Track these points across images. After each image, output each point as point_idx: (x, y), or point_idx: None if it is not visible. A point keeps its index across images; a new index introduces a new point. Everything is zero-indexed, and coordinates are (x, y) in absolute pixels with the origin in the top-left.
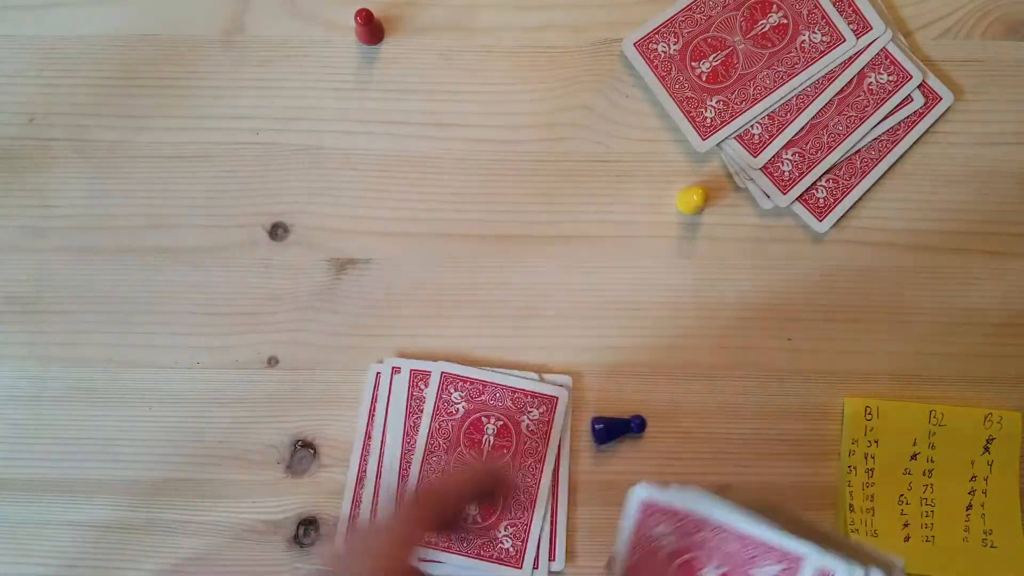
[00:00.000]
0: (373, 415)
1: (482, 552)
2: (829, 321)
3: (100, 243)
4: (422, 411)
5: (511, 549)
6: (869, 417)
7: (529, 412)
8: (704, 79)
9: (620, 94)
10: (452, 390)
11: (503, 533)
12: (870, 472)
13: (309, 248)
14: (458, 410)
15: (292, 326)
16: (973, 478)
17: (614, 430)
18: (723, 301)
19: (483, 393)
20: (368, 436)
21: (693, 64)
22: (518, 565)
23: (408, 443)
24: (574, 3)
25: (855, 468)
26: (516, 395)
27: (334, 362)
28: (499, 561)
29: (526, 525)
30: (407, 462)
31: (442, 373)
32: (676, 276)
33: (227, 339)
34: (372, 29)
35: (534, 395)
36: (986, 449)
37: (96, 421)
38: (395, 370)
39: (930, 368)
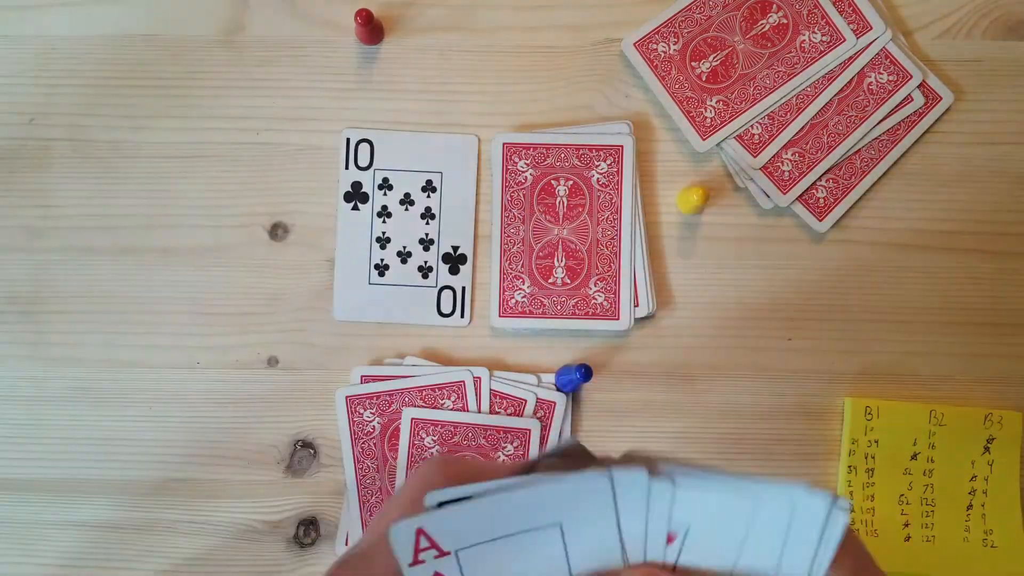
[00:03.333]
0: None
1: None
2: (829, 321)
3: (100, 243)
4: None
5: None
6: (869, 417)
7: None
8: (704, 79)
9: (620, 94)
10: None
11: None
12: (870, 472)
13: (309, 248)
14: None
15: (292, 326)
16: (973, 478)
17: (566, 378)
18: (723, 301)
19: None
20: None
21: (693, 64)
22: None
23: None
24: (574, 3)
25: (855, 468)
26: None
27: (334, 362)
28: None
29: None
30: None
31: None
32: (676, 276)
33: (227, 339)
34: (372, 29)
35: (512, 400)
36: (986, 449)
37: (96, 421)
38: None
39: (930, 368)
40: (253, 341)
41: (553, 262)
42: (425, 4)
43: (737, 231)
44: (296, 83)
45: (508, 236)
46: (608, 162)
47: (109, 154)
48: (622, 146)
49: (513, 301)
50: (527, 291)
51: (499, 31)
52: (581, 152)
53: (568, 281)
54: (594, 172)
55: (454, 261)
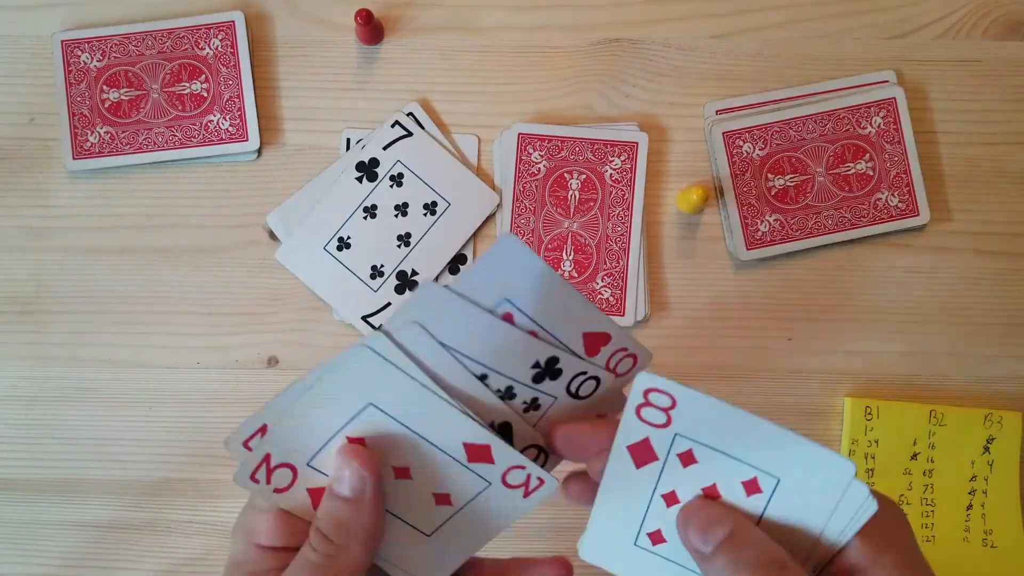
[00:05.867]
0: None
1: None
2: (829, 321)
3: (100, 243)
4: None
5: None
6: (869, 417)
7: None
8: (773, 193)
9: (620, 94)
10: None
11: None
12: (870, 472)
13: None
14: None
15: (292, 326)
16: (973, 478)
17: None
18: (723, 301)
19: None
20: None
21: (769, 175)
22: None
23: None
24: (574, 3)
25: None
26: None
27: None
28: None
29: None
30: None
31: None
32: (675, 276)
33: (227, 339)
34: (372, 29)
35: None
36: (986, 449)
37: (96, 421)
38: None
39: (930, 368)
40: (253, 341)
41: (561, 255)
42: (425, 4)
43: None
44: (296, 83)
45: (518, 226)
46: (622, 158)
47: None
48: (636, 143)
49: None
50: None
51: (499, 31)
52: (596, 147)
53: (575, 274)
54: (607, 168)
55: (453, 261)
